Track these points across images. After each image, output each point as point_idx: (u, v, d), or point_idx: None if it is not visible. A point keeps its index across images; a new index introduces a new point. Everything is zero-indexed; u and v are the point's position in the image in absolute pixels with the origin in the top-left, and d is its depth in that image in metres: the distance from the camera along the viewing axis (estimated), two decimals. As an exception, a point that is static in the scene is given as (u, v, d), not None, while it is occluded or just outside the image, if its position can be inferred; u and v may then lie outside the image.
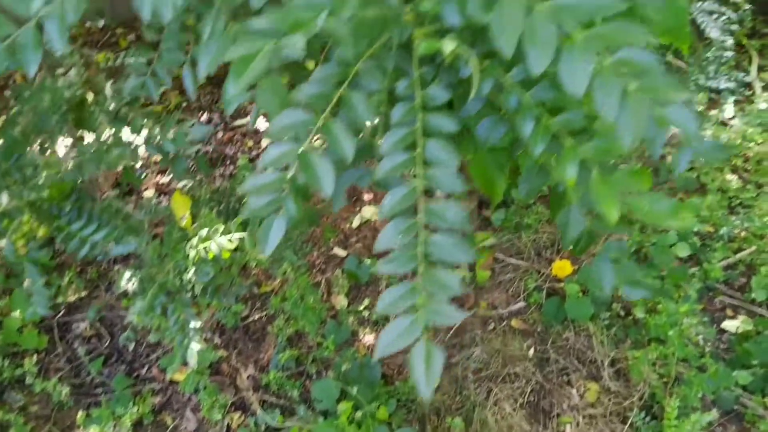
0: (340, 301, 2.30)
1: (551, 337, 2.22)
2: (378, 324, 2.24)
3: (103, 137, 1.17)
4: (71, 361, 2.19)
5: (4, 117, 1.12)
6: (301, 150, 0.61)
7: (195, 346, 1.40)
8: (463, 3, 0.58)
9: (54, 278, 2.30)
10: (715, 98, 2.81)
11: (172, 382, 2.14)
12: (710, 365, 1.99)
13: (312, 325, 2.12)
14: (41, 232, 1.19)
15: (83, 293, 2.35)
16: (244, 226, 1.38)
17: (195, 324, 1.55)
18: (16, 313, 2.17)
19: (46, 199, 1.04)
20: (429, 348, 0.56)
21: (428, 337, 0.56)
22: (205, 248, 1.60)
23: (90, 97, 1.26)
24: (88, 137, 1.19)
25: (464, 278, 2.39)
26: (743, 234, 2.38)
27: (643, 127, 0.52)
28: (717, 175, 2.57)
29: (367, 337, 2.22)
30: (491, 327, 2.27)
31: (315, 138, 0.62)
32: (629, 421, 1.98)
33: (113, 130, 1.09)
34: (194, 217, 1.95)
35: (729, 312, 2.25)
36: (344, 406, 1.94)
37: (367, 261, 2.37)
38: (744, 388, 2.01)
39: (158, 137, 1.07)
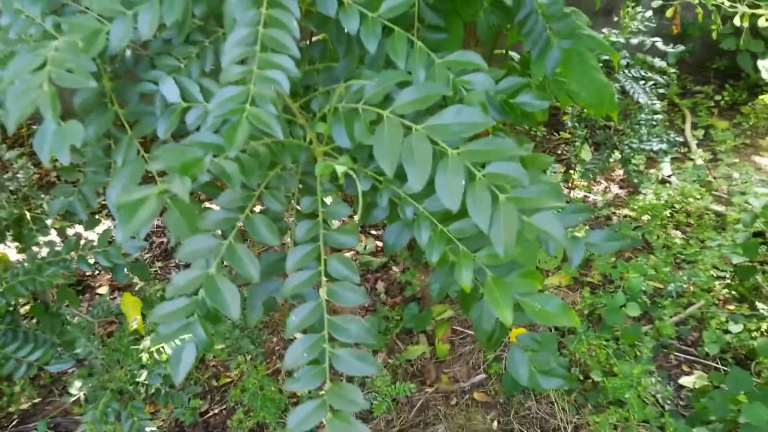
0: (301, 388, 2.27)
1: (513, 407, 2.22)
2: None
3: (41, 254, 1.18)
4: (26, 473, 2.12)
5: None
6: (208, 274, 0.63)
7: (152, 450, 1.38)
8: (351, 128, 0.62)
9: (5, 387, 2.25)
10: (653, 157, 2.92)
11: (131, 487, 2.07)
12: (670, 425, 2.00)
13: (272, 416, 2.10)
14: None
15: (36, 400, 2.30)
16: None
17: (150, 428, 1.53)
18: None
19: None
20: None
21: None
22: (158, 350, 1.60)
23: (28, 213, 1.27)
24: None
25: (424, 353, 2.40)
26: (691, 289, 2.44)
27: (513, 236, 0.56)
28: (661, 232, 2.65)
29: (330, 423, 2.19)
30: (454, 401, 2.26)
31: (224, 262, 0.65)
32: (595, 489, 1.97)
33: (48, 247, 1.10)
34: (145, 317, 1.94)
35: (685, 368, 2.28)
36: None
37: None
38: (705, 445, 2.02)
39: (92, 251, 1.09)
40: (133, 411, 1.53)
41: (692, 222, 2.74)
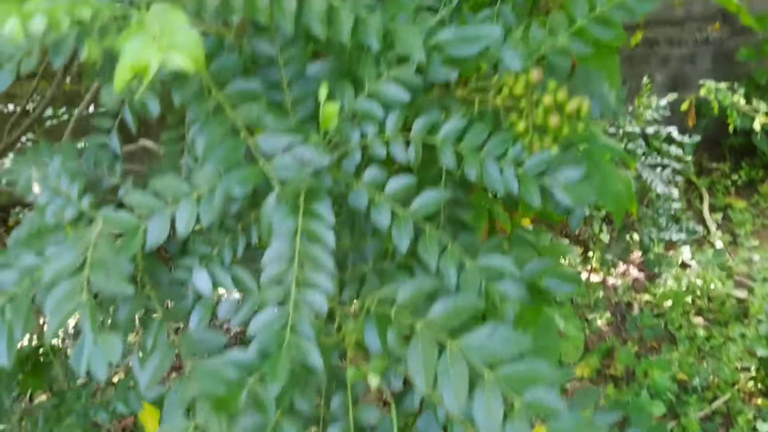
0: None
1: None
2: None
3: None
4: None
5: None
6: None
7: None
8: (384, 333, 0.62)
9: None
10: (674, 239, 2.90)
11: None
12: None
13: None
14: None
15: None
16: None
17: None
18: None
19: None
20: None
21: None
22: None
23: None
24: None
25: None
26: (716, 381, 2.40)
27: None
28: (683, 321, 2.62)
29: None
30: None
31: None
32: None
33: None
34: None
35: (713, 467, 2.22)
36: None
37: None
38: None
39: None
40: None
41: (714, 308, 2.71)
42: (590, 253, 3.01)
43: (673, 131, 2.53)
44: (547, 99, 0.62)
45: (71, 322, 1.40)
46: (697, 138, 2.52)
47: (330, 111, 0.60)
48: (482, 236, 0.92)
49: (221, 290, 0.71)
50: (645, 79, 2.60)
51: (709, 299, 2.76)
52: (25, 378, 1.16)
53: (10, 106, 2.20)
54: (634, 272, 3.08)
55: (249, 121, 0.59)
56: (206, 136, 0.58)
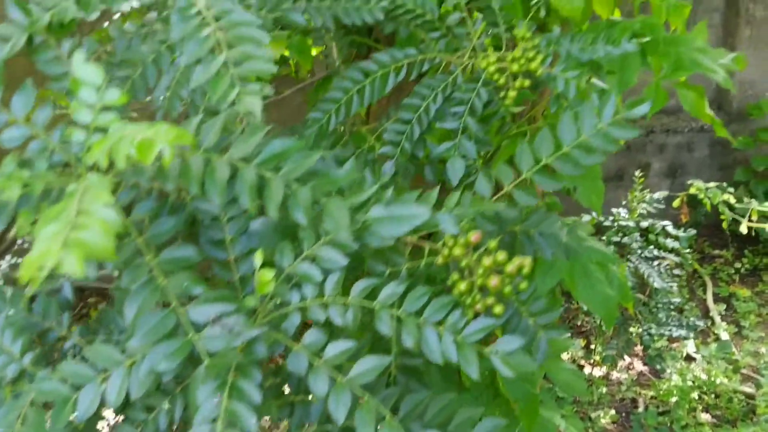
0: None
1: None
2: None
3: None
4: None
5: None
6: None
7: None
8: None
9: None
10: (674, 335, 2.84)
11: None
12: None
13: None
14: None
15: None
16: None
17: None
18: None
19: None
20: None
21: None
22: None
23: None
24: None
25: None
26: (726, 486, 2.30)
27: None
28: (690, 419, 2.53)
29: None
30: None
31: None
32: None
33: None
34: None
35: None
36: None
37: None
38: None
39: None
40: None
41: (721, 404, 2.62)
42: (593, 346, 2.95)
43: (669, 224, 2.52)
44: (487, 260, 0.62)
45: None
46: (692, 231, 2.50)
47: (264, 278, 0.59)
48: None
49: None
50: (637, 173, 2.61)
51: (716, 395, 2.67)
52: None
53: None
54: (639, 366, 3.01)
55: (180, 291, 0.58)
56: (136, 305, 0.57)
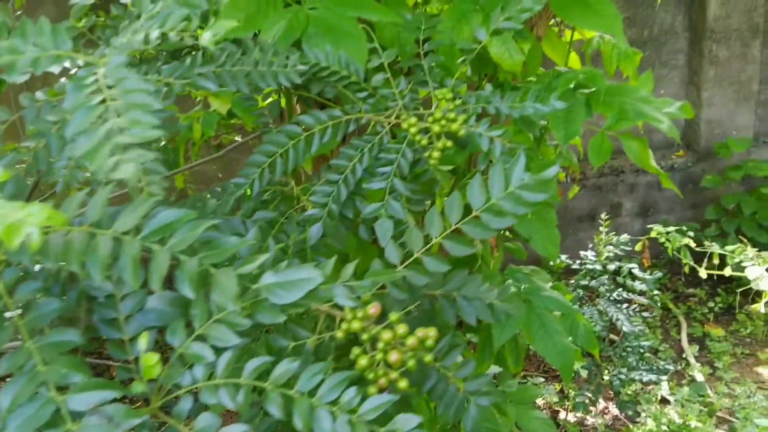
0: None
1: None
2: None
3: None
4: None
5: None
6: None
7: None
8: None
9: None
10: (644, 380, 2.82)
11: None
12: None
13: None
14: None
15: None
16: None
17: None
18: None
19: None
20: None
21: None
22: None
23: None
24: None
25: None
26: None
27: None
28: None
29: None
30: None
31: None
32: None
33: None
34: None
35: None
36: None
37: None
38: None
39: None
40: None
41: (699, 451, 2.58)
42: (567, 391, 2.91)
43: (635, 267, 2.51)
44: (386, 335, 0.59)
45: None
46: (658, 274, 2.49)
47: (149, 362, 0.57)
48: None
49: None
50: (603, 216, 2.61)
51: (693, 440, 2.63)
52: None
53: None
54: (614, 410, 2.97)
55: (58, 378, 0.55)
56: (11, 394, 0.55)
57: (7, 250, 0.61)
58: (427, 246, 0.69)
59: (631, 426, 2.72)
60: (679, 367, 3.06)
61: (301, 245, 0.95)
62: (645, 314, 2.57)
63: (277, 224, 1.00)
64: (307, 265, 0.56)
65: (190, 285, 0.55)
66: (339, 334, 0.61)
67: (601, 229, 2.59)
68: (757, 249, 1.95)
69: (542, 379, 3.01)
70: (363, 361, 0.60)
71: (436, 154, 0.87)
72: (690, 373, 2.97)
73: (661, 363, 2.44)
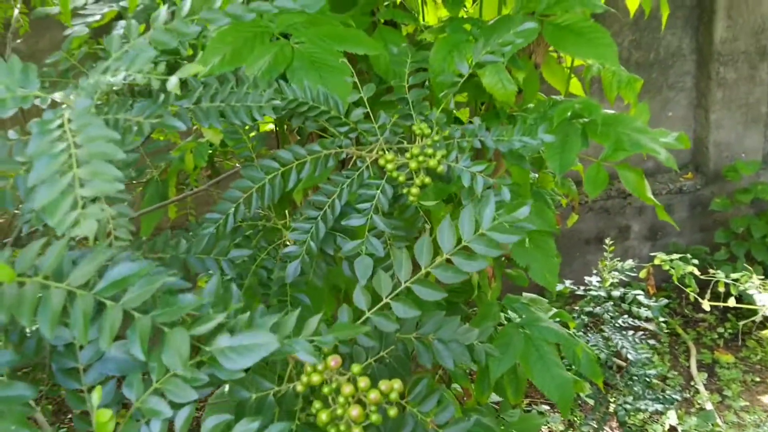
0: None
1: None
2: None
3: None
4: None
5: None
6: None
7: None
8: None
9: None
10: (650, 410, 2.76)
11: None
12: None
13: None
14: None
15: None
16: None
17: None
18: None
19: None
20: None
21: None
22: None
23: None
24: None
25: None
26: None
27: None
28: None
29: None
30: None
31: None
32: None
33: None
34: None
35: None
36: None
37: None
38: None
39: None
40: None
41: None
42: (574, 419, 2.86)
43: (641, 294, 2.47)
44: (347, 389, 0.57)
45: None
46: (664, 301, 2.44)
47: (102, 419, 0.55)
48: None
49: None
50: (608, 241, 2.57)
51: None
52: None
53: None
54: (621, 438, 2.91)
55: (6, 435, 0.53)
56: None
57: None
58: (396, 291, 0.67)
59: (638, 456, 2.66)
60: (688, 395, 3.00)
61: (282, 281, 0.93)
62: (652, 341, 2.52)
63: (258, 260, 0.99)
64: (262, 330, 0.54)
65: (141, 345, 0.54)
66: (299, 387, 0.59)
67: (605, 254, 2.55)
68: (764, 275, 1.91)
69: (547, 407, 2.96)
70: (324, 416, 0.58)
71: (414, 191, 0.85)
72: (699, 401, 2.91)
73: (668, 392, 2.38)
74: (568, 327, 2.13)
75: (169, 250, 0.80)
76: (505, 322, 1.68)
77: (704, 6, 3.56)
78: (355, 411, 0.56)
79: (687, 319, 3.58)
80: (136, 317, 0.55)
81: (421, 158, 0.84)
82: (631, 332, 2.48)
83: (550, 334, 1.64)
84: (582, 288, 2.59)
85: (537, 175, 1.78)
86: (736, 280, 1.81)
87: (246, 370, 0.62)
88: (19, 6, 2.05)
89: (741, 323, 3.24)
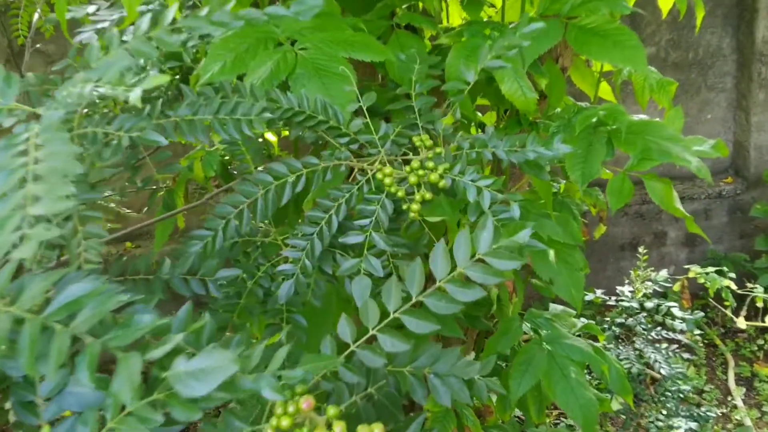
0: None
1: None
2: None
3: None
4: None
5: None
6: None
7: None
8: None
9: None
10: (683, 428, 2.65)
11: None
12: None
13: None
14: None
15: None
16: None
17: None
18: None
19: None
20: None
21: None
22: None
23: None
24: None
25: None
26: None
27: None
28: None
29: None
30: None
31: None
32: None
33: None
34: None
35: None
36: None
37: None
38: None
39: None
40: None
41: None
42: (604, 432, 2.76)
43: (675, 306, 2.36)
44: (320, 435, 0.52)
45: None
46: (700, 314, 2.34)
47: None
48: None
49: None
50: (641, 249, 2.48)
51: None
52: None
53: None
54: (654, 454, 2.80)
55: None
56: None
57: None
58: (384, 321, 0.61)
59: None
60: (725, 410, 2.87)
61: (276, 302, 0.88)
62: (686, 355, 2.41)
63: (255, 277, 0.94)
64: (221, 351, 0.49)
65: (89, 373, 0.49)
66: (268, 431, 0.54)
67: (638, 263, 2.45)
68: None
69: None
70: (295, 465, 0.53)
71: (415, 206, 0.79)
72: (737, 417, 2.79)
73: (703, 409, 2.28)
74: (597, 339, 2.05)
75: (150, 270, 0.76)
76: (532, 335, 1.61)
77: (745, 4, 3.42)
78: (328, 461, 0.51)
79: (726, 330, 3.44)
80: (86, 342, 0.50)
81: (421, 172, 0.78)
82: (664, 345, 2.38)
83: (575, 352, 1.56)
84: (613, 298, 2.50)
85: (563, 183, 1.70)
86: (774, 295, 1.71)
87: (218, 410, 0.57)
88: (40, 9, 2.04)
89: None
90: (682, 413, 2.26)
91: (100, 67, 0.65)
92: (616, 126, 1.29)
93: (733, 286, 1.84)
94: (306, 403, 0.52)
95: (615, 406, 2.71)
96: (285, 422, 0.52)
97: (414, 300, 0.61)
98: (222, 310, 0.87)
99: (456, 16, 1.73)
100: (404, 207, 0.80)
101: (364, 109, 0.85)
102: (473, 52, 1.26)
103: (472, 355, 1.75)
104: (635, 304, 2.39)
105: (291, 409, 0.52)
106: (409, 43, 1.30)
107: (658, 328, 2.41)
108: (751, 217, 3.59)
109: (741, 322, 1.76)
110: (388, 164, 0.84)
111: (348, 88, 0.86)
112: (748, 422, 2.72)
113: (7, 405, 0.60)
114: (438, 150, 0.81)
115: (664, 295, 2.58)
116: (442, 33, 1.44)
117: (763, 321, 1.67)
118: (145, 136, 0.69)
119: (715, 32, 3.51)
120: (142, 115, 0.75)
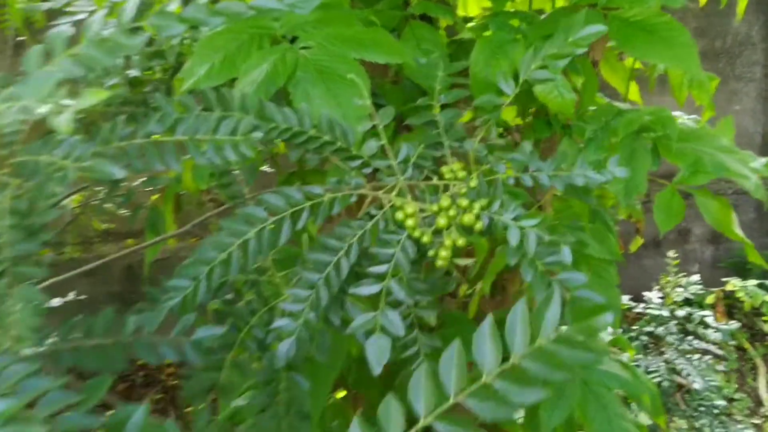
0: None
1: None
2: None
3: None
4: None
5: None
6: None
7: None
8: None
9: None
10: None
11: None
12: None
13: None
14: None
15: None
16: None
17: None
18: None
19: None
20: None
21: None
22: None
23: None
24: None
25: None
26: None
27: None
28: None
29: None
30: None
31: None
32: None
33: None
34: None
35: None
36: None
37: None
38: None
39: None
40: None
41: None
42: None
43: (709, 316, 2.20)
44: None
45: None
46: (736, 324, 2.18)
47: None
48: None
49: None
50: (670, 254, 2.31)
51: None
52: None
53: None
54: (682, 468, 2.65)
55: None
56: None
57: None
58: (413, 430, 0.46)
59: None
60: (758, 421, 2.71)
61: (272, 362, 0.72)
62: (719, 367, 2.26)
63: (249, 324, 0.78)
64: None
65: None
66: None
67: (668, 268, 2.29)
68: None
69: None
70: None
71: (444, 254, 0.63)
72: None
73: (738, 426, 2.12)
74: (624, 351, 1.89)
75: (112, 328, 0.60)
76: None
77: (778, -11, 3.23)
78: None
79: (755, 332, 3.28)
80: None
81: (452, 212, 0.62)
82: (696, 356, 2.23)
83: (612, 379, 1.40)
84: (642, 306, 2.33)
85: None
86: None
87: None
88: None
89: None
90: (717, 430, 2.11)
91: (30, 80, 0.50)
92: (665, 133, 1.12)
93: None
94: None
95: (644, 419, 2.56)
96: None
97: (452, 401, 0.46)
98: (204, 369, 0.71)
99: (474, 5, 1.55)
100: (430, 254, 0.64)
101: (380, 128, 0.69)
102: (500, 48, 1.10)
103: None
104: (665, 312, 2.23)
105: None
106: (426, 36, 1.14)
107: (689, 338, 2.26)
108: (781, 214, 3.42)
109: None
110: (409, 195, 0.68)
111: (360, 102, 0.69)
112: (782, 435, 2.57)
113: None
114: (473, 183, 0.65)
115: (691, 302, 2.42)
116: (461, 23, 1.27)
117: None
118: (96, 167, 0.53)
119: (744, 20, 3.33)
120: (101, 136, 0.59)
